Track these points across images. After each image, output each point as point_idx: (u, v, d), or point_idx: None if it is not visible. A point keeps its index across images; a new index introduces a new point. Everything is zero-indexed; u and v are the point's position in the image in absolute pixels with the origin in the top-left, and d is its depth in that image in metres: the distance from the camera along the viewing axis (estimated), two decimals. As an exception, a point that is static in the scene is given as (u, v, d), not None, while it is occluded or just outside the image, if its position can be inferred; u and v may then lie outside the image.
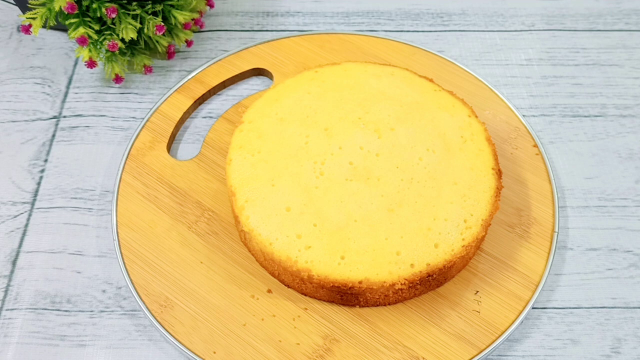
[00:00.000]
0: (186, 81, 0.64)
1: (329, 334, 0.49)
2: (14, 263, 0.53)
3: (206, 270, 0.52)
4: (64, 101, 0.64)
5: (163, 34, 0.63)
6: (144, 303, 0.50)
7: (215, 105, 0.64)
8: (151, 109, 0.62)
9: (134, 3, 0.61)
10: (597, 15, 0.73)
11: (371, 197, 0.49)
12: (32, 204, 0.57)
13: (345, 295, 0.49)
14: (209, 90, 0.64)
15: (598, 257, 0.55)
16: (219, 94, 0.65)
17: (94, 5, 0.59)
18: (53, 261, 0.53)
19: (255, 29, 0.71)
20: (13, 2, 0.70)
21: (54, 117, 0.63)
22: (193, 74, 0.65)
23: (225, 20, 0.71)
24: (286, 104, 0.55)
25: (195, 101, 0.63)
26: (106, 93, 0.65)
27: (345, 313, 0.50)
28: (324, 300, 0.51)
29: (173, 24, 0.64)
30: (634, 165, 0.60)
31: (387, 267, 0.47)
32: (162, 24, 0.62)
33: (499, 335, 0.49)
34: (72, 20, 0.60)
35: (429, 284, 0.50)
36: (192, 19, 0.65)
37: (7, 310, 0.51)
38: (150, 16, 0.61)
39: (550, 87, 0.66)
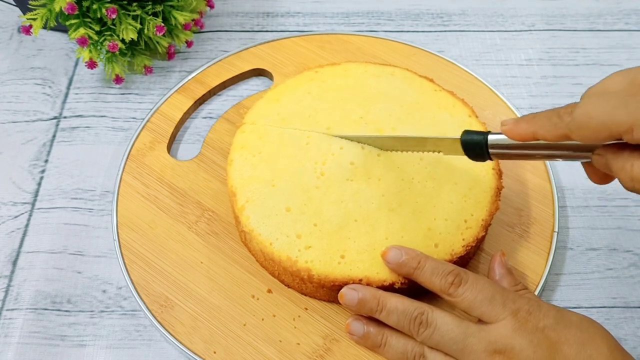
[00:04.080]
0: (186, 82, 0.64)
1: (329, 334, 0.49)
2: (14, 263, 0.53)
3: (206, 271, 0.52)
4: (64, 102, 0.64)
5: (163, 35, 0.63)
6: (144, 303, 0.50)
7: (216, 105, 0.64)
8: (151, 109, 0.62)
9: (134, 4, 0.61)
10: (597, 15, 0.73)
11: (371, 197, 0.49)
12: (33, 204, 0.57)
13: (346, 295, 0.49)
14: (209, 91, 0.64)
15: (598, 257, 0.55)
16: (219, 95, 0.65)
17: (95, 6, 0.59)
18: (53, 261, 0.53)
19: (255, 29, 0.71)
20: (13, 3, 0.71)
21: (55, 118, 0.63)
22: (193, 74, 0.65)
23: (225, 21, 0.72)
24: (287, 104, 0.55)
25: (195, 101, 0.63)
26: (106, 94, 0.65)
27: (345, 313, 0.50)
28: (324, 300, 0.51)
29: (173, 24, 0.64)
30: (634, 165, 0.60)
31: (387, 266, 0.47)
32: (162, 24, 0.62)
33: (499, 335, 0.49)
34: (73, 21, 0.60)
35: (429, 283, 0.50)
36: (192, 20, 0.65)
37: (7, 310, 0.51)
38: (151, 17, 0.62)
39: (550, 87, 0.66)
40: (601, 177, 0.42)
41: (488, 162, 0.52)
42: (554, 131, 0.39)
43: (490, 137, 0.44)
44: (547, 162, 0.59)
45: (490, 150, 0.44)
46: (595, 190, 0.59)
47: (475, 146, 0.45)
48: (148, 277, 0.52)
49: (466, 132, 0.45)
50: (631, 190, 0.37)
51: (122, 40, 0.61)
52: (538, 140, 0.40)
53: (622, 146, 0.37)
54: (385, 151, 0.51)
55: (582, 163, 0.42)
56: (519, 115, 0.62)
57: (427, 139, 0.48)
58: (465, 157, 0.52)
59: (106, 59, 0.63)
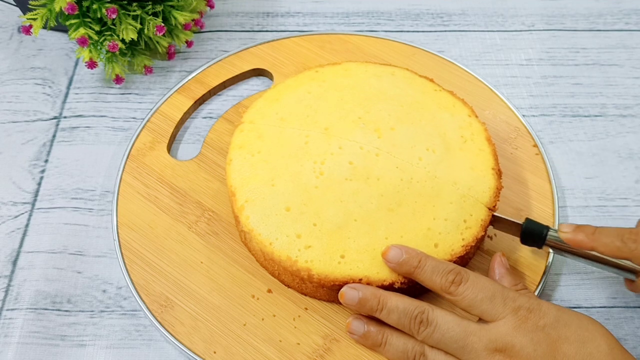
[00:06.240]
0: (186, 82, 0.64)
1: (329, 333, 0.49)
2: (14, 263, 0.53)
3: (206, 270, 0.52)
4: (64, 102, 0.64)
5: (163, 35, 0.63)
6: (144, 303, 0.50)
7: (216, 105, 0.64)
8: (151, 109, 0.62)
9: (134, 4, 0.61)
10: (597, 15, 0.73)
11: (371, 197, 0.49)
12: (33, 204, 0.57)
13: (345, 295, 0.49)
14: (209, 91, 0.64)
15: (598, 257, 0.55)
16: (219, 95, 0.65)
17: (95, 6, 0.59)
18: (53, 261, 0.53)
19: (255, 29, 0.71)
20: (14, 3, 0.71)
21: (55, 118, 0.63)
22: (193, 74, 0.65)
23: (225, 21, 0.72)
24: (286, 103, 0.55)
25: (195, 101, 0.63)
26: (106, 94, 0.65)
27: (345, 313, 0.50)
28: (324, 300, 0.51)
29: (173, 24, 0.64)
30: (634, 165, 0.60)
31: (387, 265, 0.47)
32: (163, 24, 0.62)
33: (499, 335, 0.49)
34: (73, 21, 0.60)
35: (429, 283, 0.50)
36: (192, 20, 0.65)
37: (7, 310, 0.51)
38: (151, 17, 0.62)
39: (550, 87, 0.66)
40: None
41: (487, 161, 0.52)
42: (615, 252, 0.44)
43: (551, 233, 0.49)
44: (547, 162, 0.59)
45: (547, 242, 0.49)
46: (595, 190, 0.59)
47: (534, 235, 0.50)
48: (148, 277, 0.52)
49: (528, 220, 0.50)
50: None
51: (122, 40, 0.61)
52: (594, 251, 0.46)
53: None
54: (383, 151, 0.51)
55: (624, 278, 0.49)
56: (519, 116, 0.62)
57: None
58: (464, 158, 0.52)
59: (106, 59, 0.63)
